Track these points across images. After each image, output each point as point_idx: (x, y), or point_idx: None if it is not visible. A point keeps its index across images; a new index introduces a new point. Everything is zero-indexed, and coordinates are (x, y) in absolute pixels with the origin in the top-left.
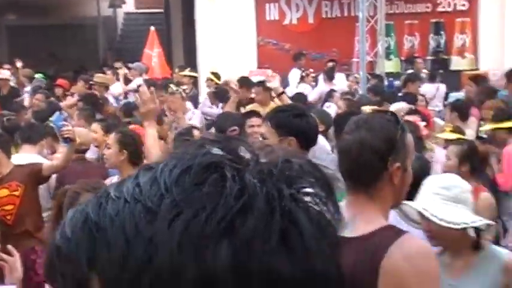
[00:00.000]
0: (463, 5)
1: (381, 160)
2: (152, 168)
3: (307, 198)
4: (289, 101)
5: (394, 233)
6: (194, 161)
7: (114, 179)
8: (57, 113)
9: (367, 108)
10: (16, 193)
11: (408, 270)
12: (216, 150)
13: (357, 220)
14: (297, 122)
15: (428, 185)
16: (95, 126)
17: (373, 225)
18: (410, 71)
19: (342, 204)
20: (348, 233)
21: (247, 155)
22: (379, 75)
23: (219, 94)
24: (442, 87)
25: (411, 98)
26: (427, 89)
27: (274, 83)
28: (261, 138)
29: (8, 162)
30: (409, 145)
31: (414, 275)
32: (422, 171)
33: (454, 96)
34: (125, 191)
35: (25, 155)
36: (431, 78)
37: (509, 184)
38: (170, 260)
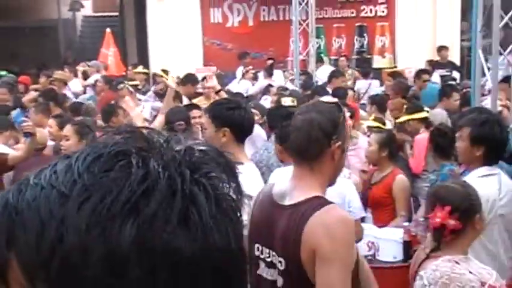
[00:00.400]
0: (383, 11)
1: (326, 137)
2: (69, 156)
3: (209, 182)
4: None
5: (320, 203)
6: (105, 150)
7: None
8: (18, 109)
9: (287, 100)
10: None
11: (324, 237)
12: (127, 140)
13: (295, 190)
14: (230, 113)
15: None
16: (51, 121)
17: (306, 195)
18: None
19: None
20: (286, 201)
21: (158, 144)
22: (308, 73)
23: (160, 94)
24: (375, 83)
25: (342, 93)
26: (360, 85)
27: (212, 81)
28: (200, 129)
29: None
30: (348, 130)
31: (329, 242)
32: None
33: (375, 90)
34: (43, 177)
35: None
36: (365, 75)
37: (419, 168)
38: (79, 240)
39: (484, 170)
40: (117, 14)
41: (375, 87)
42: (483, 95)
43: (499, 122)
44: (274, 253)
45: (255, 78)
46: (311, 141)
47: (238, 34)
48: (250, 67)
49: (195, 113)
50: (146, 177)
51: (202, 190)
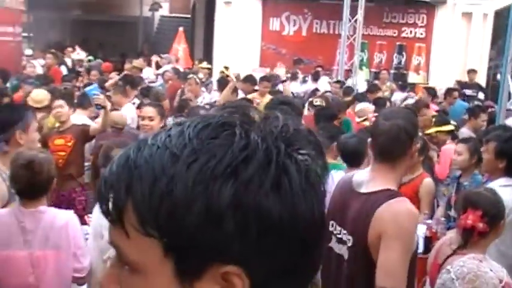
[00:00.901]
0: (421, 34)
1: (410, 139)
2: (181, 124)
3: (300, 156)
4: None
5: (391, 194)
6: (213, 120)
7: None
8: (95, 84)
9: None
10: (69, 144)
11: (391, 223)
12: (232, 114)
13: (372, 181)
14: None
15: None
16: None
17: (380, 186)
18: (376, 81)
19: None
20: (362, 189)
21: (257, 118)
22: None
23: (222, 82)
24: (411, 95)
25: (381, 102)
26: (397, 96)
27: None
28: None
29: (69, 120)
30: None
31: (395, 228)
32: None
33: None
34: (159, 139)
35: (78, 116)
36: (402, 89)
37: (444, 174)
38: (185, 194)
39: (504, 180)
40: (189, 15)
41: (411, 99)
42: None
43: None
44: (345, 231)
45: (304, 81)
46: (399, 144)
47: (292, 42)
48: (298, 71)
49: None
50: (246, 146)
51: (294, 163)
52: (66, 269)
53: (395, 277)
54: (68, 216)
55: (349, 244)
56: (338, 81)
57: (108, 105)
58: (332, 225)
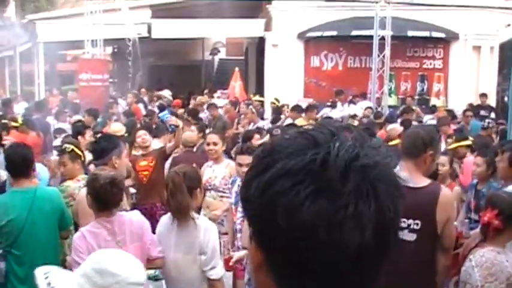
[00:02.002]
0: (439, 65)
1: (423, 145)
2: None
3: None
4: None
5: (439, 185)
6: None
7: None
8: (166, 111)
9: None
10: (151, 164)
11: (450, 205)
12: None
13: (415, 178)
14: None
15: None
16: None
17: (426, 182)
18: (403, 106)
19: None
20: (412, 184)
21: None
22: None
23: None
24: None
25: (407, 124)
26: (426, 118)
27: None
28: None
29: (150, 146)
30: (439, 147)
31: (452, 209)
32: None
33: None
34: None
35: (155, 144)
36: (431, 112)
37: (467, 182)
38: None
39: None
40: (243, 57)
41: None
42: None
43: None
44: (404, 219)
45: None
46: (415, 146)
47: (330, 76)
48: (336, 99)
49: None
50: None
51: (382, 181)
52: (145, 257)
53: (454, 240)
54: (138, 215)
55: (417, 227)
56: (369, 107)
57: (180, 124)
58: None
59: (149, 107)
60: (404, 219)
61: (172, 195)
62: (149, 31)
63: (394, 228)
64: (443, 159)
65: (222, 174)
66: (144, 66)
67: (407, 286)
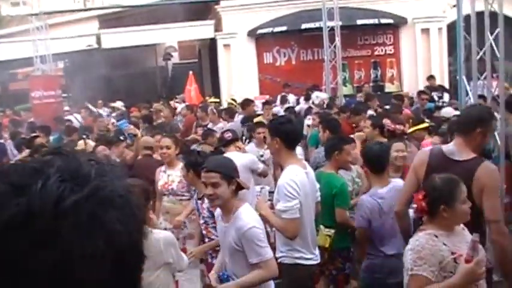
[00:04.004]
0: (391, 50)
1: (473, 124)
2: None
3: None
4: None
5: (481, 159)
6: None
7: (162, 169)
8: (124, 120)
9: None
10: None
11: (490, 179)
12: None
13: (462, 152)
14: (280, 127)
15: None
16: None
17: (471, 155)
18: (359, 94)
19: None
20: (457, 157)
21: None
22: (332, 98)
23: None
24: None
25: (360, 108)
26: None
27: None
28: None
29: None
30: (492, 126)
31: (492, 182)
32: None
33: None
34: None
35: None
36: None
37: None
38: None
39: None
40: (196, 60)
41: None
42: None
43: None
44: None
45: (297, 102)
46: (465, 124)
47: (285, 70)
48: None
49: (260, 129)
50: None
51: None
52: None
53: (498, 213)
54: None
55: None
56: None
57: (138, 132)
58: None
59: (101, 118)
60: None
61: None
62: (99, 42)
63: (136, 250)
64: (399, 145)
65: (178, 178)
66: (98, 78)
67: None
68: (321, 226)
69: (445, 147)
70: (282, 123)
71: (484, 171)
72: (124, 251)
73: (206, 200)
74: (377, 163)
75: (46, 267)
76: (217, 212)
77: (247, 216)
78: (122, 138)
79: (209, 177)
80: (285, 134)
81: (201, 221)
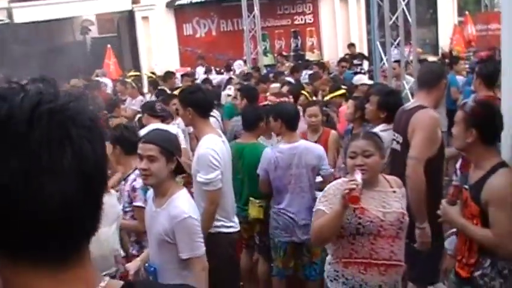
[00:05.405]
0: (310, 19)
1: (438, 77)
2: None
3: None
4: None
5: (423, 107)
6: None
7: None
8: None
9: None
10: None
11: (418, 119)
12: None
13: (415, 103)
14: (191, 96)
15: None
16: None
17: (416, 104)
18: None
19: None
20: (407, 108)
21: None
22: (257, 67)
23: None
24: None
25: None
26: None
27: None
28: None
29: None
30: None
31: (421, 123)
32: None
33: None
34: None
35: None
36: (305, 68)
37: (342, 129)
38: None
39: (382, 126)
40: (115, 33)
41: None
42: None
43: (398, 93)
44: (397, 134)
45: (219, 73)
46: (432, 78)
47: (205, 42)
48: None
49: (174, 101)
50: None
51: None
52: None
53: (419, 152)
54: None
55: (400, 141)
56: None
57: None
58: (394, 134)
59: None
60: (396, 134)
61: None
62: (10, 17)
63: (100, 170)
64: (314, 109)
65: None
66: (11, 56)
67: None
68: (251, 198)
69: (409, 103)
70: (192, 92)
71: (418, 115)
72: (90, 169)
73: (129, 182)
74: (288, 121)
75: (15, 173)
76: (150, 192)
77: (183, 203)
78: None
79: (146, 148)
80: (197, 103)
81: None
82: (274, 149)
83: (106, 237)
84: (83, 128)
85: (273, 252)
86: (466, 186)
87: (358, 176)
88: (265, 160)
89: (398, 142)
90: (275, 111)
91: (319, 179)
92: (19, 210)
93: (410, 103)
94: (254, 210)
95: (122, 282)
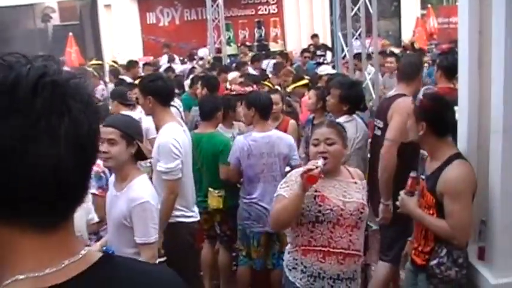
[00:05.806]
0: (274, 10)
1: (417, 69)
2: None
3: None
4: None
5: (400, 96)
6: None
7: None
8: None
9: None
10: None
11: (398, 106)
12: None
13: (393, 93)
14: (151, 84)
15: None
16: None
17: (396, 92)
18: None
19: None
20: (387, 96)
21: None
22: (220, 57)
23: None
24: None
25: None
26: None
27: None
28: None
29: None
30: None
31: (399, 108)
32: None
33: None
34: None
35: None
36: (267, 57)
37: (303, 118)
38: None
39: (345, 117)
40: (78, 22)
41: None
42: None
43: (360, 84)
44: (379, 120)
45: (183, 62)
46: (412, 71)
47: (169, 31)
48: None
49: (135, 90)
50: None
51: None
52: None
53: (394, 134)
54: None
55: (381, 126)
56: (201, 58)
57: None
58: (376, 121)
59: None
60: (377, 120)
61: None
62: None
63: (92, 142)
64: (275, 97)
65: None
66: None
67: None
68: (210, 189)
69: (390, 92)
70: (152, 80)
71: (399, 101)
72: (83, 139)
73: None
74: (262, 110)
75: (14, 135)
76: (112, 177)
77: (143, 188)
78: None
79: (106, 132)
80: (157, 91)
81: None
82: (247, 137)
83: (82, 223)
84: (81, 102)
85: (239, 242)
86: (423, 177)
87: (320, 161)
88: (237, 148)
89: (379, 128)
90: (248, 99)
91: (287, 169)
92: (15, 172)
93: (392, 92)
94: (214, 201)
95: (100, 254)
